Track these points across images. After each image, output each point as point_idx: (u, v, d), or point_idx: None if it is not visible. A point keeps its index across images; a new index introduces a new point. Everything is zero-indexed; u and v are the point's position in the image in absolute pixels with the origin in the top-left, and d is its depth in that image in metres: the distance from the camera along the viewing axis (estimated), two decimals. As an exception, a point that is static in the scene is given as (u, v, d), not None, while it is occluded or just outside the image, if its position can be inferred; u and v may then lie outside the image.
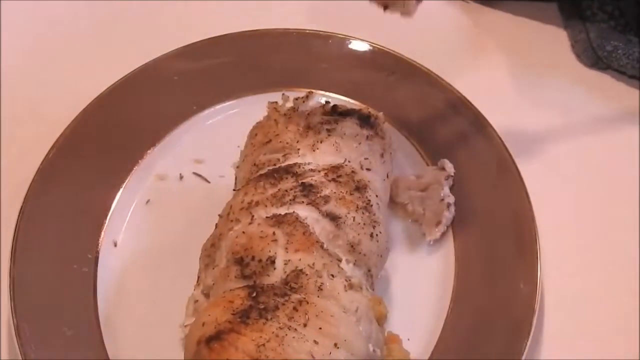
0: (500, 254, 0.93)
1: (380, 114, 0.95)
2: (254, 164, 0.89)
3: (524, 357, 0.84)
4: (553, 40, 1.24)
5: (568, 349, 0.91)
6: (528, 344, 0.85)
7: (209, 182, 1.03)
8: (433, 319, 0.90)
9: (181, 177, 1.04)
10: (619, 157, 1.10)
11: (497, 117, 1.05)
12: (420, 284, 0.94)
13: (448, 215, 0.97)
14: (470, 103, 1.06)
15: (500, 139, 1.02)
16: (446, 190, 0.99)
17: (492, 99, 1.08)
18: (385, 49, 1.11)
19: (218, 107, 1.09)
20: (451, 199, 0.99)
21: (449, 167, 1.01)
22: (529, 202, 0.96)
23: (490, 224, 0.96)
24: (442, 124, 1.06)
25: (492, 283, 0.91)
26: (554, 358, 0.90)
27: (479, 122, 1.04)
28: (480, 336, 0.88)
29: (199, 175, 1.04)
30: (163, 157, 1.05)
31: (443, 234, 0.97)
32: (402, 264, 0.96)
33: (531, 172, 0.99)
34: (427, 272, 0.95)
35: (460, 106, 1.06)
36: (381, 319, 0.82)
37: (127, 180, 1.00)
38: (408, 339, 0.86)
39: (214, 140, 1.05)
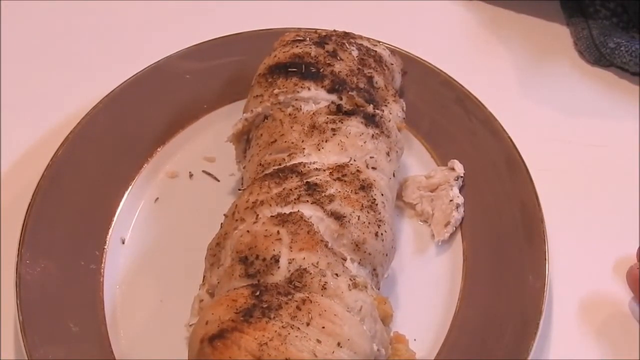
0: (508, 255, 0.93)
1: None
2: (260, 164, 0.89)
3: (530, 357, 0.84)
4: (556, 37, 1.25)
5: (575, 347, 0.91)
6: (535, 343, 0.84)
7: (218, 180, 1.03)
8: (440, 320, 0.90)
9: (191, 175, 1.04)
10: (622, 152, 1.10)
11: (501, 114, 1.05)
12: (428, 285, 0.94)
13: (457, 216, 0.97)
14: (480, 102, 1.06)
15: (510, 138, 1.01)
16: (455, 190, 0.99)
17: (495, 97, 1.09)
18: (395, 48, 1.10)
19: (229, 105, 1.10)
20: (460, 200, 0.98)
21: (459, 168, 1.01)
22: (538, 202, 0.95)
23: (498, 225, 0.96)
24: (452, 124, 1.06)
25: (500, 284, 0.91)
26: (562, 358, 0.90)
27: (489, 121, 1.04)
28: (487, 337, 0.87)
29: (209, 174, 1.04)
30: (173, 155, 1.05)
31: (451, 235, 0.97)
32: (410, 264, 0.96)
33: (537, 170, 0.99)
34: (435, 273, 0.95)
35: (470, 105, 1.06)
36: (386, 319, 0.82)
37: (136, 178, 1.01)
38: (414, 340, 0.87)
39: (225, 138, 1.05)
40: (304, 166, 0.86)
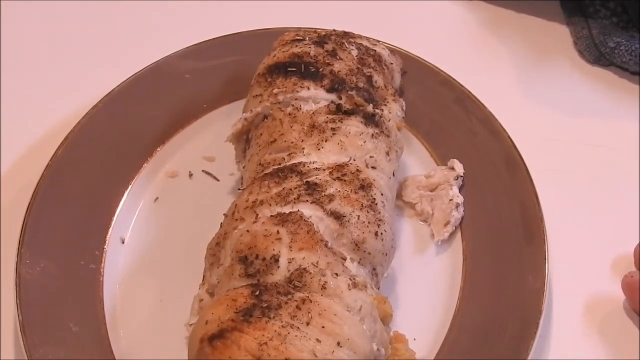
0: (508, 255, 0.93)
1: None
2: (259, 164, 0.89)
3: (530, 357, 0.84)
4: (556, 37, 1.25)
5: (575, 347, 0.91)
6: (535, 343, 0.84)
7: (218, 180, 1.03)
8: (440, 319, 0.90)
9: (191, 175, 1.04)
10: (622, 152, 1.10)
11: (501, 114, 1.05)
12: (428, 284, 0.94)
13: (456, 215, 0.97)
14: (480, 101, 1.06)
15: (510, 138, 1.01)
16: (455, 190, 0.99)
17: (495, 97, 1.09)
18: (395, 48, 1.10)
19: (229, 105, 1.10)
20: (460, 199, 0.98)
21: (459, 167, 1.01)
22: (538, 202, 0.95)
23: (498, 225, 0.96)
24: (451, 123, 1.06)
25: (500, 283, 0.91)
26: (562, 358, 0.90)
27: (489, 121, 1.04)
28: (487, 336, 0.87)
29: (209, 174, 1.04)
30: (173, 155, 1.05)
31: (451, 234, 0.97)
32: (409, 263, 0.96)
33: (537, 170, 0.99)
34: (435, 272, 0.95)
35: (470, 105, 1.06)
36: (386, 318, 0.82)
37: (135, 178, 1.01)
38: (414, 339, 0.86)
39: (225, 138, 1.05)
40: (304, 166, 0.86)
